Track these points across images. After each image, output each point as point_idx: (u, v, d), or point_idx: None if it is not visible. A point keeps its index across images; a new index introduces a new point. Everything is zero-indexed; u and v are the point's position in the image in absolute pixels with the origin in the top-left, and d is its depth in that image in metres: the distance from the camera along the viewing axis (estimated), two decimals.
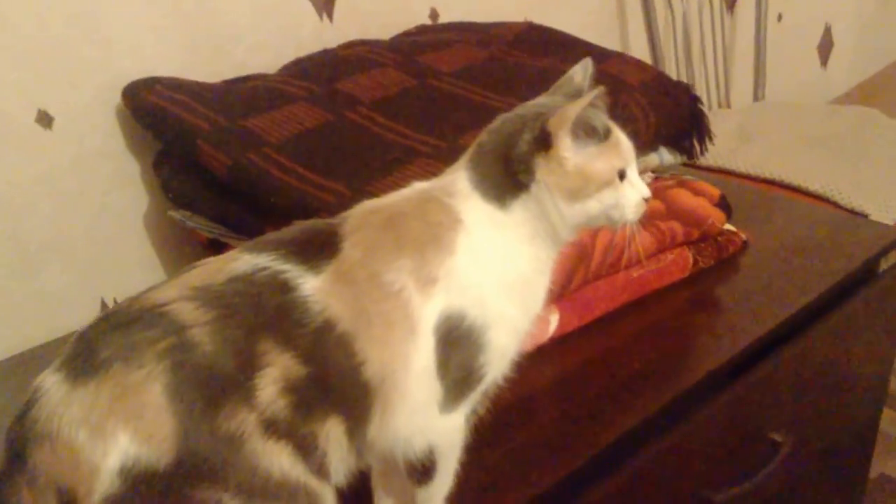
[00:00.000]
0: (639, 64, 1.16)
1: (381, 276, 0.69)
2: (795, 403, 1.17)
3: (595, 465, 0.92)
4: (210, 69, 1.17)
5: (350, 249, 0.69)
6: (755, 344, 1.07)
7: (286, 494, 0.66)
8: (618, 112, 1.06)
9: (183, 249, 1.22)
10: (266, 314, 0.65)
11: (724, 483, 1.06)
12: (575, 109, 0.72)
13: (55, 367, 0.64)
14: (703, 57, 1.87)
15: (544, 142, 0.72)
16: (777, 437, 1.12)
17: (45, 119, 1.08)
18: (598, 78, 1.10)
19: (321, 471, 0.68)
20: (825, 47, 2.32)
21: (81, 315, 1.12)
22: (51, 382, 0.64)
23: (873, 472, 1.62)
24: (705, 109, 1.16)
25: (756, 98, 1.94)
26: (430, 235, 0.71)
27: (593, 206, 0.75)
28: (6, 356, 1.10)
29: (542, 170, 0.72)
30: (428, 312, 0.70)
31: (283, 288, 0.66)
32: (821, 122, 1.79)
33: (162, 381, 0.62)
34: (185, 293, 0.65)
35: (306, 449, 0.67)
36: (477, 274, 0.72)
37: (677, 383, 1.01)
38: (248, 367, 0.64)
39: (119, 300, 1.17)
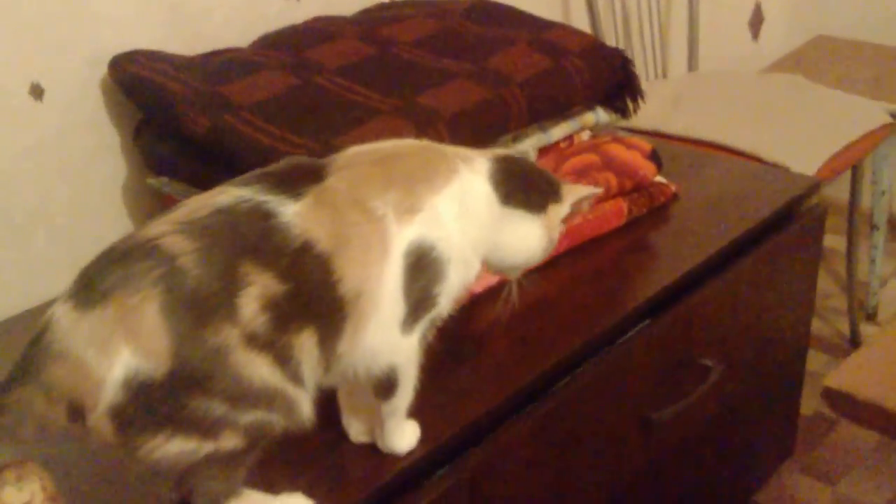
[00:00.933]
0: (577, 32, 1.28)
1: (365, 202, 0.80)
2: (724, 333, 1.30)
3: (541, 386, 1.04)
4: (185, 44, 1.26)
5: (335, 180, 0.80)
6: (684, 277, 1.21)
7: (266, 400, 0.76)
8: (559, 75, 1.20)
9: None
10: (247, 240, 0.75)
11: (661, 405, 1.19)
12: (581, 192, 0.94)
13: (64, 299, 0.74)
14: (640, 31, 2.00)
15: (556, 197, 0.92)
16: (708, 363, 1.25)
17: (37, 91, 1.17)
18: (542, 46, 1.23)
19: (296, 378, 0.78)
20: (756, 22, 2.46)
21: (63, 283, 1.24)
22: (61, 311, 0.73)
23: (808, 410, 1.77)
24: (636, 71, 1.29)
25: (690, 69, 2.08)
26: (424, 175, 0.84)
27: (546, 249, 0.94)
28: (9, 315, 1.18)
29: (549, 212, 0.92)
30: (402, 239, 0.81)
31: (264, 215, 0.76)
32: (750, 88, 1.93)
33: (157, 304, 0.72)
34: (173, 227, 0.75)
35: (283, 359, 0.76)
36: (454, 217, 0.84)
37: (613, 313, 1.14)
38: (231, 287, 0.74)
39: None
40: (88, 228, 1.26)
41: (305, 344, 0.78)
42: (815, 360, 1.87)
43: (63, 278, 1.19)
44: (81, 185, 1.25)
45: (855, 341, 1.96)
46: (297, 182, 0.79)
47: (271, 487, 0.83)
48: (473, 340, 1.09)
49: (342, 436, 0.92)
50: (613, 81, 1.27)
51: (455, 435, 0.95)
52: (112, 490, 0.87)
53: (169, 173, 1.19)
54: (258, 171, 0.81)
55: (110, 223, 1.29)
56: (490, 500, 0.99)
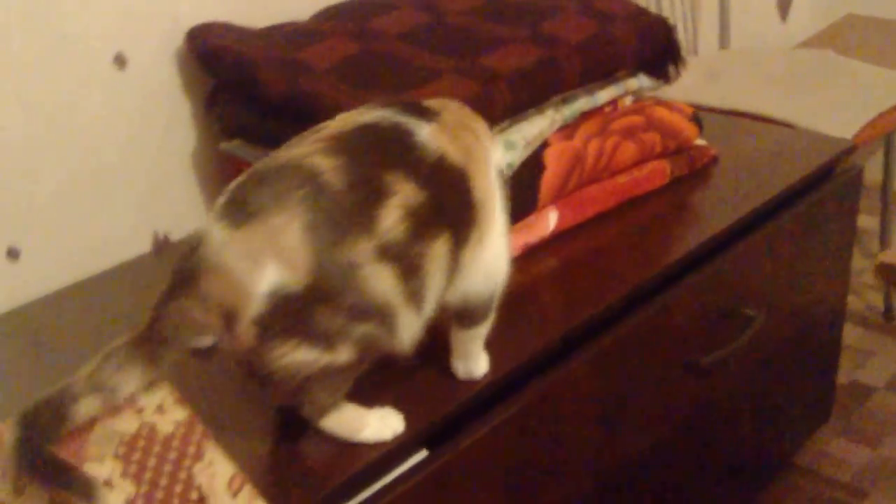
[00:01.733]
0: (622, 0, 1.35)
1: (469, 126, 0.91)
2: (766, 287, 1.37)
3: (586, 334, 1.10)
4: (250, 17, 1.34)
5: (445, 115, 0.91)
6: (725, 233, 1.27)
7: (380, 315, 0.83)
8: (607, 40, 1.27)
9: (222, 186, 1.39)
10: (391, 152, 0.84)
11: (707, 351, 1.25)
12: None
13: (216, 217, 0.81)
14: (672, 8, 2.07)
15: None
16: (750, 312, 1.32)
17: (120, 61, 1.25)
18: (590, 12, 1.30)
19: (415, 297, 0.85)
20: (784, 3, 2.53)
21: (137, 246, 1.32)
22: (215, 228, 0.80)
23: (845, 379, 1.83)
24: (679, 38, 1.36)
25: (721, 46, 2.14)
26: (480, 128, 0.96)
27: None
28: (71, 282, 1.25)
29: None
30: (493, 158, 0.94)
31: (405, 132, 0.86)
32: (782, 63, 1.99)
33: (301, 222, 0.79)
34: (317, 147, 0.83)
35: (411, 270, 0.83)
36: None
37: (659, 263, 1.21)
38: (373, 198, 0.82)
39: (169, 235, 1.35)
40: (162, 196, 1.35)
41: (438, 251, 0.85)
42: (850, 335, 1.92)
43: (142, 238, 1.34)
44: (157, 151, 1.32)
45: (889, 316, 2.00)
46: (421, 111, 0.89)
47: (363, 403, 0.91)
48: (525, 288, 1.16)
49: (418, 364, 0.99)
50: (657, 48, 1.33)
51: (515, 368, 1.02)
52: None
53: (242, 137, 1.26)
54: (381, 100, 0.90)
55: (183, 187, 1.37)
56: (541, 432, 1.06)
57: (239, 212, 0.80)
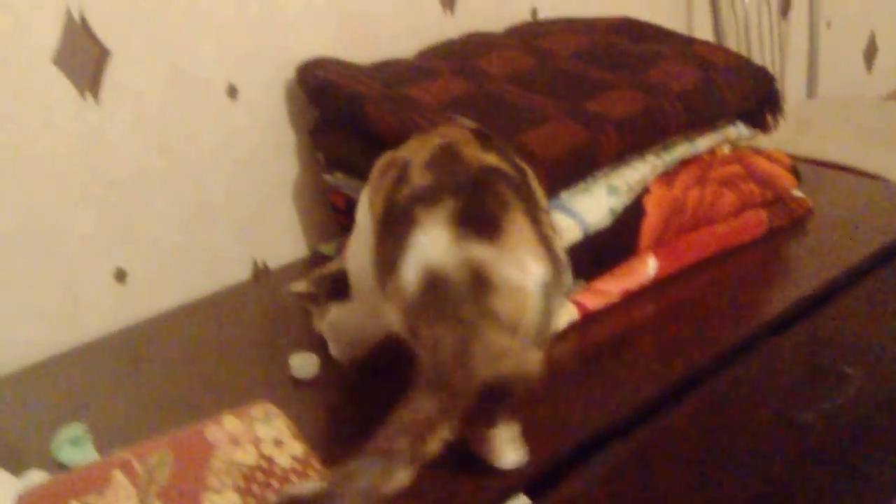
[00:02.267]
0: (724, 49, 1.35)
1: None
2: (865, 345, 1.35)
3: (685, 386, 1.09)
4: (356, 53, 1.37)
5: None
6: (824, 286, 1.26)
7: None
8: (711, 88, 1.27)
9: (321, 217, 1.42)
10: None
11: (803, 407, 1.24)
12: None
13: (460, 239, 0.80)
14: (761, 58, 2.06)
15: None
16: (848, 371, 1.29)
17: (232, 91, 1.28)
18: (694, 60, 1.30)
19: None
20: (870, 52, 2.50)
21: (237, 273, 1.35)
22: (474, 250, 0.80)
23: None
24: (780, 88, 1.36)
25: (809, 95, 2.12)
26: None
27: None
28: (174, 306, 1.28)
29: None
30: None
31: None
32: (872, 114, 1.98)
33: (523, 211, 0.83)
34: (476, 146, 0.90)
35: None
36: None
37: (756, 318, 1.20)
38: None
39: (268, 263, 1.37)
40: (265, 220, 1.37)
41: None
42: None
43: (242, 265, 1.36)
44: (261, 180, 1.35)
45: None
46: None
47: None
48: (624, 335, 1.15)
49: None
50: (759, 97, 1.33)
51: (614, 418, 1.02)
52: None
53: (345, 170, 1.28)
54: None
55: (284, 216, 1.39)
56: (637, 483, 1.05)
57: (481, 226, 0.79)
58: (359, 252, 0.93)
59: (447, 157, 0.85)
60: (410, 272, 0.79)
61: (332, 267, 1.02)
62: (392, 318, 0.83)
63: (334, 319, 1.01)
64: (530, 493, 0.94)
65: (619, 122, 1.16)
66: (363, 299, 0.96)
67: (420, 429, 0.73)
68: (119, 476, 0.78)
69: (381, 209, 0.85)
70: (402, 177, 0.85)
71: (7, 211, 1.13)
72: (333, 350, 1.05)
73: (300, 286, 1.02)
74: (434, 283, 0.78)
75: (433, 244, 0.78)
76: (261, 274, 1.38)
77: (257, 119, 1.33)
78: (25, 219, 1.15)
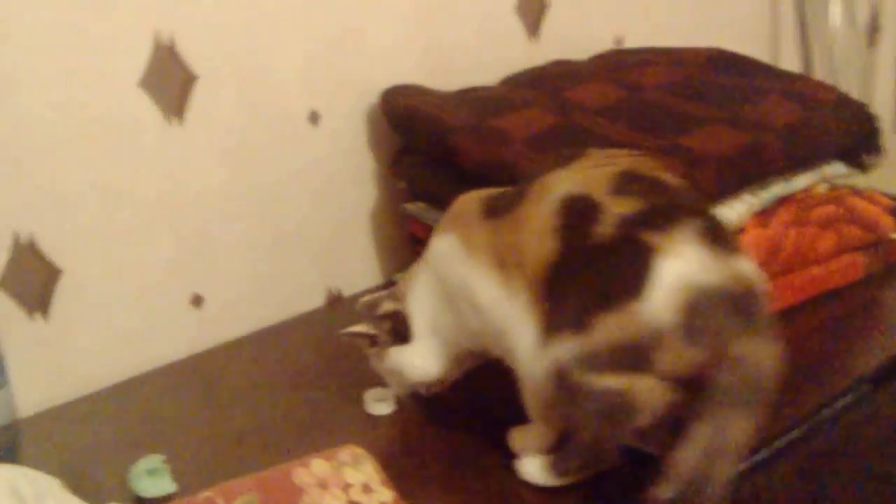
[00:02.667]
0: (824, 85, 1.30)
1: None
2: None
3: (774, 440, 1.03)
4: (439, 80, 1.34)
5: None
6: None
7: None
8: (811, 126, 1.22)
9: (398, 247, 1.38)
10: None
11: None
12: None
13: (715, 255, 0.81)
14: (846, 88, 1.99)
15: None
16: None
17: (314, 118, 1.26)
18: (793, 96, 1.25)
19: None
20: None
21: (311, 300, 1.33)
22: (743, 265, 0.83)
23: None
24: (881, 127, 1.30)
25: None
26: None
27: None
28: (248, 332, 1.25)
29: None
30: None
31: None
32: None
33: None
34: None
35: None
36: None
37: (854, 369, 1.14)
38: None
39: (342, 290, 1.35)
40: (339, 252, 1.35)
41: None
42: None
43: (316, 293, 1.34)
44: (337, 208, 1.33)
45: None
46: None
47: None
48: None
49: None
50: (858, 136, 1.28)
51: None
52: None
53: (427, 200, 1.25)
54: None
55: (360, 244, 1.37)
56: None
57: (726, 240, 0.83)
58: (442, 297, 0.94)
59: (639, 181, 0.84)
60: (661, 299, 0.77)
61: (386, 308, 0.99)
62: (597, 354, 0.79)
63: (397, 361, 0.98)
64: None
65: (716, 161, 1.11)
66: (445, 340, 0.96)
67: (738, 449, 0.78)
68: None
69: (557, 250, 0.82)
70: (578, 213, 0.82)
71: (89, 234, 1.12)
72: (396, 389, 1.03)
73: (359, 327, 0.99)
74: (703, 302, 0.78)
75: (691, 264, 0.78)
76: (335, 301, 1.35)
77: (338, 146, 1.30)
78: (107, 242, 1.14)
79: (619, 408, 0.79)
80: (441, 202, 1.22)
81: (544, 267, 0.82)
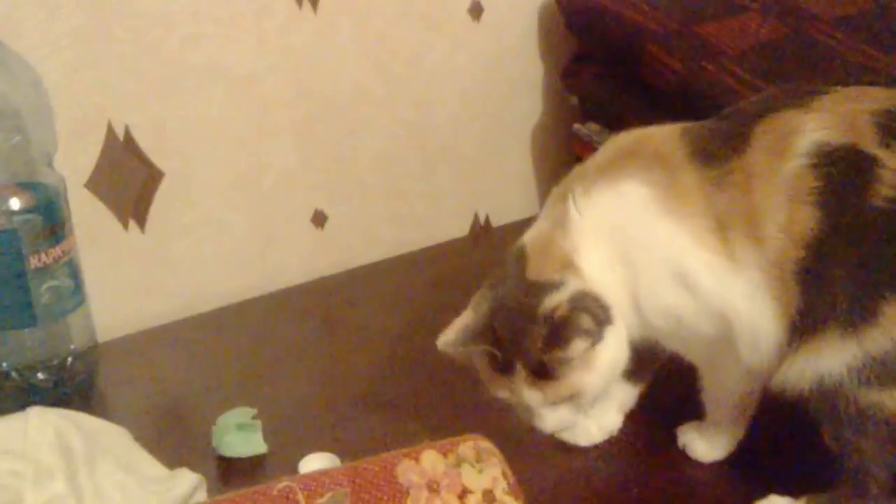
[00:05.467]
0: None
1: None
2: None
3: None
4: None
5: None
6: None
7: None
8: None
9: (561, 172, 1.19)
10: None
11: None
12: None
13: None
14: None
15: None
16: None
17: (476, 10, 1.07)
18: None
19: None
20: None
21: (455, 227, 1.15)
22: None
23: None
24: None
25: None
26: None
27: None
28: (376, 259, 1.09)
29: None
30: None
31: None
32: None
33: None
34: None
35: None
36: None
37: None
38: None
39: (491, 220, 1.18)
40: (493, 167, 1.17)
41: None
42: None
43: (461, 219, 1.15)
44: (493, 122, 1.15)
45: None
46: None
47: None
48: None
49: None
50: None
51: None
52: None
53: (602, 120, 1.05)
54: None
55: (516, 166, 1.19)
56: None
57: None
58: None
59: None
60: None
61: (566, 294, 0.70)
62: None
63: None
64: None
65: None
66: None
67: None
68: None
69: (818, 220, 0.63)
70: (844, 170, 0.63)
71: (198, 130, 0.97)
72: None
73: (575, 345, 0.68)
74: None
75: None
76: (481, 231, 1.18)
77: (501, 46, 1.12)
78: (219, 143, 0.98)
79: None
80: (620, 125, 1.01)
81: (798, 242, 0.63)
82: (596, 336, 0.66)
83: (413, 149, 1.10)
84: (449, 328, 0.70)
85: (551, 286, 0.67)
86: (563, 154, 1.17)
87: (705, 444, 0.74)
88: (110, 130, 0.91)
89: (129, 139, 0.93)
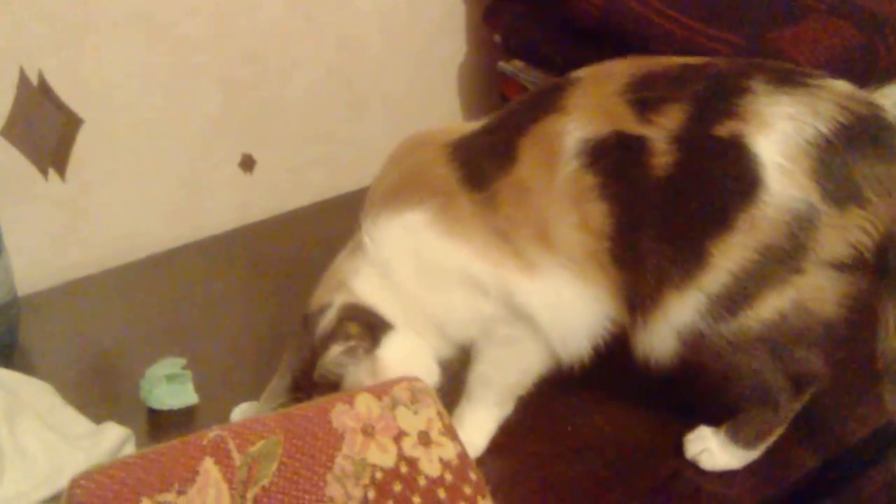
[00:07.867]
0: None
1: None
2: None
3: None
4: None
5: None
6: None
7: None
8: None
9: (487, 109, 1.18)
10: None
11: None
12: None
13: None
14: None
15: None
16: None
17: None
18: None
19: None
20: None
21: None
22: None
23: None
24: None
25: None
26: None
27: None
28: (309, 202, 1.09)
29: None
30: None
31: None
32: None
33: None
34: None
35: None
36: None
37: None
38: None
39: None
40: (421, 109, 1.16)
41: None
42: None
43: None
44: (417, 61, 1.14)
45: None
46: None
47: None
48: None
49: None
50: None
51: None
52: None
53: (526, 58, 1.05)
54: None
55: (441, 106, 1.18)
56: None
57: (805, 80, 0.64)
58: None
59: (659, 80, 0.65)
60: (780, 180, 0.62)
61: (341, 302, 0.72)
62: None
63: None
64: None
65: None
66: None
67: None
68: (210, 467, 0.58)
69: (608, 213, 0.64)
70: (616, 159, 0.64)
71: (117, 75, 0.94)
72: None
73: (334, 350, 0.69)
74: (829, 153, 0.62)
75: (789, 124, 0.63)
76: None
77: None
78: (140, 88, 0.96)
79: (788, 332, 0.64)
80: (544, 62, 1.02)
81: (599, 235, 0.64)
82: (370, 341, 0.67)
83: (340, 91, 1.09)
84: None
85: (322, 309, 0.69)
86: (489, 92, 1.16)
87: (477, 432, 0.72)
88: (23, 76, 0.88)
89: (43, 85, 0.89)
